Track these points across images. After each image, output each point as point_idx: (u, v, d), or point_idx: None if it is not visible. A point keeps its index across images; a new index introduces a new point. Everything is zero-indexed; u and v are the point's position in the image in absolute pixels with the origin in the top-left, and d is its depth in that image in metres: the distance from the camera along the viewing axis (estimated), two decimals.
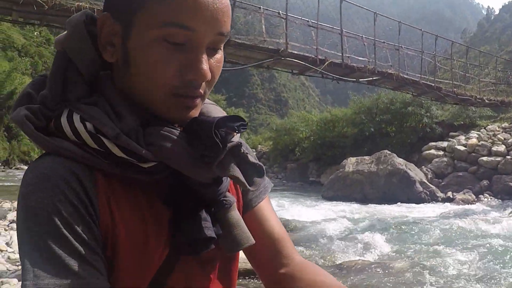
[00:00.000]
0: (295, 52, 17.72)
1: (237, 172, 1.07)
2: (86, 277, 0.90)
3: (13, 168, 56.38)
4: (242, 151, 1.09)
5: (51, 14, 13.02)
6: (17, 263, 8.36)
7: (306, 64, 17.76)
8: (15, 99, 1.13)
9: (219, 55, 1.09)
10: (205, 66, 1.01)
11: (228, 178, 1.15)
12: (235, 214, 1.15)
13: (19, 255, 0.95)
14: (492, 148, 24.25)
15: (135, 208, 1.03)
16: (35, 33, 76.81)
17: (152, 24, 0.99)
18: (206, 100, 1.18)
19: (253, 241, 1.16)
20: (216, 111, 1.19)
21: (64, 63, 1.06)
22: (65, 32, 1.09)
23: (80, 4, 12.88)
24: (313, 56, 18.07)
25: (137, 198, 1.05)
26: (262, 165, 1.13)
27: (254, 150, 41.75)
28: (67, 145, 0.99)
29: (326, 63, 17.94)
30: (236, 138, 1.09)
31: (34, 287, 0.87)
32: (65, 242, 0.91)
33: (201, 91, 1.06)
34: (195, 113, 1.08)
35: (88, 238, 0.94)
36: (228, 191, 1.18)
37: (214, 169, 1.04)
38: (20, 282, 4.97)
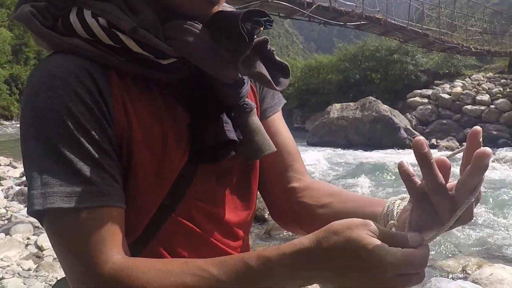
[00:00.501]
0: None
1: (263, 69, 1.01)
2: (99, 184, 0.85)
3: None
4: (269, 48, 1.03)
5: None
6: (3, 217, 8.28)
7: (294, 6, 17.66)
8: None
9: None
10: None
11: (248, 82, 1.10)
12: (256, 120, 1.10)
13: (23, 164, 0.89)
14: (476, 97, 24.42)
15: (152, 109, 0.97)
16: None
17: None
18: (226, 5, 1.10)
19: (274, 148, 1.11)
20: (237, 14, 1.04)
21: None
22: None
23: None
24: None
25: (155, 100, 0.98)
26: (287, 65, 1.07)
27: None
28: (78, 42, 0.92)
29: (314, 6, 17.85)
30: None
31: (41, 196, 0.82)
32: (77, 145, 0.85)
33: None
34: (214, 8, 0.99)
35: (103, 142, 0.88)
36: (250, 97, 1.13)
37: (239, 66, 0.97)
38: (7, 237, 4.89)
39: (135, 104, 0.95)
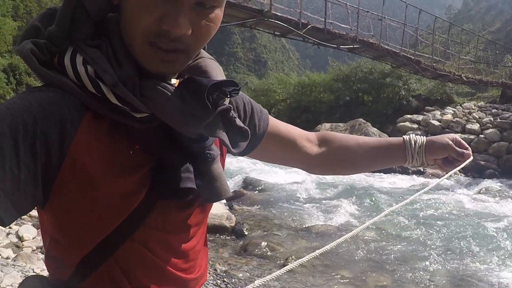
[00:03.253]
0: (279, 14, 17.81)
1: (223, 134, 1.11)
2: None
3: None
4: (231, 114, 1.12)
5: None
6: None
7: (289, 26, 17.85)
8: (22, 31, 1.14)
9: (214, 14, 1.07)
10: (183, 19, 1.00)
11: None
12: (217, 167, 1.20)
13: None
14: (467, 126, 24.48)
15: (117, 150, 1.06)
16: None
17: None
18: (205, 54, 1.22)
19: (230, 194, 1.24)
20: (214, 67, 1.20)
21: (73, 2, 1.06)
22: None
23: None
24: (296, 19, 18.16)
25: (122, 142, 1.07)
26: (247, 129, 1.16)
27: None
28: (68, 82, 1.03)
29: (308, 27, 17.99)
30: (227, 101, 1.13)
31: None
32: None
33: (180, 46, 1.05)
34: (173, 69, 1.10)
35: (24, 164, 0.94)
36: (215, 143, 1.23)
37: (202, 129, 1.06)
38: None
39: (100, 142, 1.04)
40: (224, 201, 11.76)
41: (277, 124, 1.60)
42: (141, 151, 1.10)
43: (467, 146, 1.74)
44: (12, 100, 0.97)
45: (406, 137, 1.73)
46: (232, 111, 1.12)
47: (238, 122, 1.14)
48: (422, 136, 1.71)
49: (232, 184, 13.86)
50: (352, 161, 1.75)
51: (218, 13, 1.09)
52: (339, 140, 1.73)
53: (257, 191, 13.32)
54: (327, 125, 23.77)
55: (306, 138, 1.69)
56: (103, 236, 1.08)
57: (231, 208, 11.08)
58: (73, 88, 1.02)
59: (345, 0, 22.02)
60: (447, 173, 1.72)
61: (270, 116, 1.59)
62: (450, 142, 1.71)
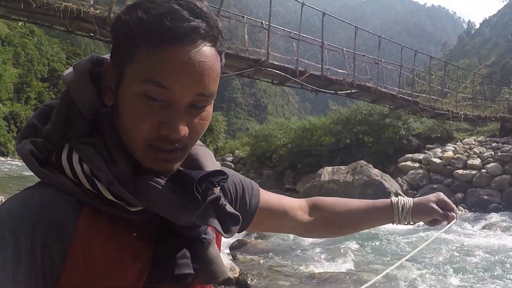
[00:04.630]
0: (276, 63, 17.94)
1: (215, 222, 1.18)
2: None
3: None
4: (221, 202, 1.20)
5: (38, 12, 13.16)
6: None
7: (286, 75, 18.00)
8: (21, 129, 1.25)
9: (205, 112, 1.15)
10: (180, 124, 1.08)
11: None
12: (213, 250, 1.28)
13: None
14: (468, 161, 24.48)
15: (115, 242, 1.15)
16: (19, 24, 77.09)
17: (136, 79, 1.07)
18: (197, 142, 1.27)
19: (227, 275, 1.33)
20: (204, 155, 1.30)
21: (67, 103, 1.16)
22: (71, 71, 1.21)
23: (67, 4, 12.96)
24: (293, 68, 18.30)
25: (120, 234, 1.17)
26: (238, 214, 1.24)
27: (231, 154, 41.63)
28: (66, 181, 1.11)
29: (306, 75, 18.15)
30: (217, 190, 1.20)
31: None
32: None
33: (179, 145, 1.13)
34: (173, 166, 1.17)
35: (24, 265, 1.00)
36: (210, 227, 1.31)
37: (195, 218, 1.14)
38: None
39: (100, 236, 1.12)
40: (228, 250, 11.74)
41: (268, 198, 1.66)
42: (140, 239, 1.20)
43: (453, 206, 1.79)
44: (14, 203, 1.05)
45: (394, 200, 1.79)
46: (222, 199, 1.20)
47: (229, 208, 1.22)
48: (409, 199, 1.78)
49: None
50: (341, 226, 1.84)
51: (209, 110, 1.17)
52: (329, 206, 1.81)
53: (260, 239, 13.24)
54: (329, 168, 23.65)
55: (298, 207, 1.76)
56: None
57: (234, 258, 10.99)
58: (70, 187, 1.10)
59: (341, 44, 22.25)
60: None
61: (262, 190, 1.65)
62: (435, 207, 1.76)
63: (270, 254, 11.65)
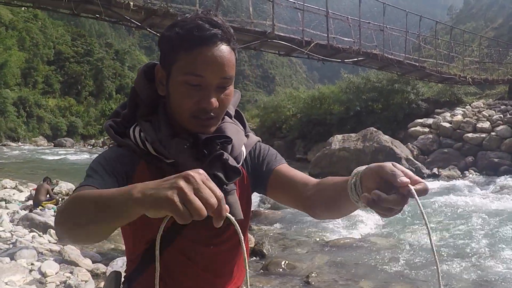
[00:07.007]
0: (282, 34, 18.08)
1: (219, 171, 1.63)
2: (95, 180, 1.54)
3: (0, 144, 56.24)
4: (224, 157, 1.64)
5: None
6: (8, 241, 8.63)
7: (292, 46, 18.16)
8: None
9: (228, 90, 1.62)
10: (213, 99, 1.56)
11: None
12: (231, 198, 1.67)
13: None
14: (477, 125, 24.60)
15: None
16: (22, 8, 76.89)
17: (180, 72, 1.57)
18: (227, 119, 1.79)
19: (241, 217, 1.70)
20: (226, 126, 1.74)
21: (134, 94, 1.76)
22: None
23: None
24: (299, 38, 18.43)
25: (163, 175, 1.44)
26: (238, 167, 1.68)
27: None
28: (131, 143, 1.69)
29: (312, 44, 18.25)
30: (229, 148, 1.69)
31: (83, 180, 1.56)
32: (98, 168, 1.60)
33: (213, 114, 1.61)
34: (209, 129, 1.64)
35: (109, 174, 1.59)
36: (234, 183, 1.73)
37: (204, 168, 1.36)
38: (12, 262, 5.35)
39: (148, 177, 1.52)
40: None
41: (286, 170, 1.87)
42: None
43: (418, 178, 1.24)
44: (103, 154, 1.68)
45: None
46: (225, 155, 1.65)
47: (231, 162, 1.66)
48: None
49: None
50: (326, 203, 1.66)
51: (231, 88, 1.65)
52: (325, 181, 1.69)
53: (274, 209, 13.40)
54: (339, 136, 23.70)
55: (308, 183, 1.81)
56: (150, 241, 1.65)
57: (249, 229, 11.07)
58: (133, 147, 1.67)
59: (346, 13, 22.19)
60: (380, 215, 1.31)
61: (285, 164, 1.91)
62: (389, 165, 1.27)
63: (284, 223, 11.93)
